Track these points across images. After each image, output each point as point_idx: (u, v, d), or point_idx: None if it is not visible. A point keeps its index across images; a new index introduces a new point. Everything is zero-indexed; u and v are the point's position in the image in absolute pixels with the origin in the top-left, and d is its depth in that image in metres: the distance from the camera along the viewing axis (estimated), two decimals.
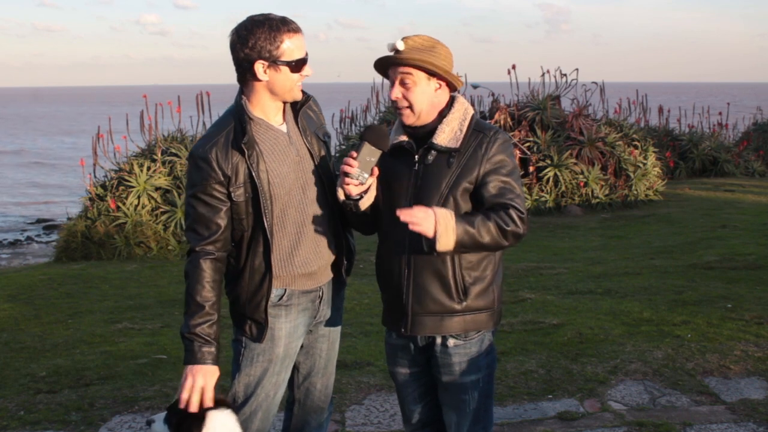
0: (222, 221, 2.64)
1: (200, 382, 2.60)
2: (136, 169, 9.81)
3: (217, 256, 2.65)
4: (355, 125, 14.00)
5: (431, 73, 2.64)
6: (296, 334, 2.79)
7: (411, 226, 2.47)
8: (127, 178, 9.81)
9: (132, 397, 4.57)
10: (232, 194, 2.63)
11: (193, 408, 2.57)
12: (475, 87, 13.76)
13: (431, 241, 2.49)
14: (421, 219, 2.47)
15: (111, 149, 10.50)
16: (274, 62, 2.59)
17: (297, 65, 2.62)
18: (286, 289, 2.74)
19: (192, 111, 10.89)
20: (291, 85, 2.65)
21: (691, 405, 4.29)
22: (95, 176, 10.39)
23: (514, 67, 12.98)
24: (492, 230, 2.54)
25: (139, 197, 9.62)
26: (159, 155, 10.06)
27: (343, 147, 13.57)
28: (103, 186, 10.11)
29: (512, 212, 2.56)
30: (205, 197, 2.63)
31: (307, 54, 2.66)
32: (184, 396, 2.59)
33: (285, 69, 2.60)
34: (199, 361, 2.61)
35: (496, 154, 2.63)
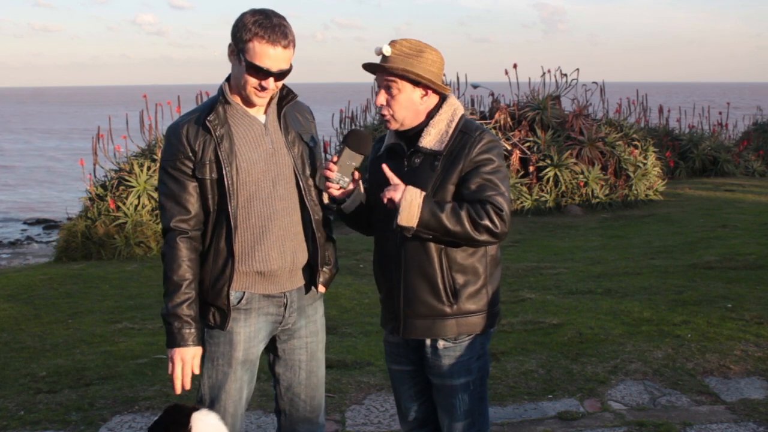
0: (192, 197, 2.66)
1: (188, 364, 2.64)
2: (136, 169, 9.81)
3: (191, 235, 2.66)
4: (355, 125, 13.99)
5: (416, 82, 2.63)
6: (257, 338, 2.76)
7: (384, 198, 2.56)
8: (127, 178, 9.82)
9: (132, 397, 4.57)
10: (197, 171, 2.64)
11: (187, 387, 2.65)
12: (475, 87, 13.75)
13: (394, 213, 2.54)
14: (391, 190, 2.55)
15: (111, 149, 10.51)
16: (239, 52, 2.60)
17: (252, 69, 2.58)
18: (245, 292, 2.72)
19: None
20: (244, 83, 2.63)
21: (691, 405, 4.29)
22: (95, 176, 10.40)
23: (515, 66, 12.98)
24: (463, 219, 2.52)
25: (139, 197, 9.62)
26: (159, 155, 10.06)
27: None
28: (103, 186, 10.12)
29: (489, 207, 2.54)
30: (174, 172, 2.66)
31: (278, 70, 2.59)
32: (177, 385, 2.65)
33: (243, 65, 2.60)
34: (180, 344, 2.63)
35: (480, 153, 2.60)
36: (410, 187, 2.54)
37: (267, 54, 2.57)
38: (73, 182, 22.09)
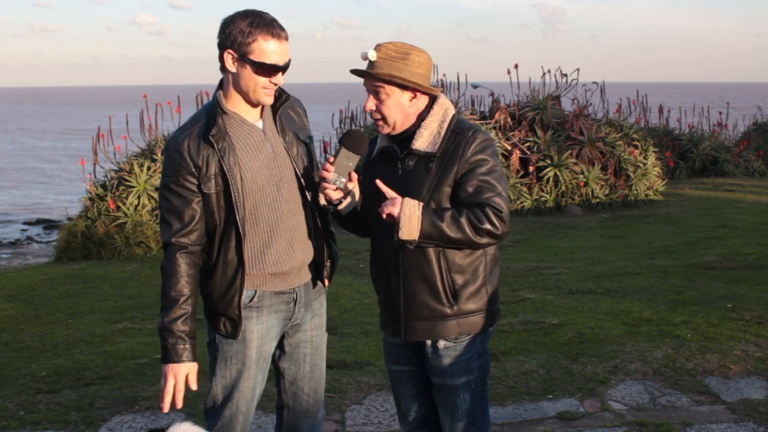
0: (194, 213, 2.64)
1: (181, 381, 2.62)
2: (136, 169, 9.81)
3: (191, 250, 2.65)
4: (355, 125, 13.99)
5: (404, 86, 2.62)
6: (269, 335, 2.77)
7: (383, 213, 2.53)
8: (127, 178, 9.81)
9: (132, 397, 4.57)
10: (202, 186, 2.63)
11: (179, 406, 2.60)
12: (475, 87, 13.76)
13: (393, 226, 2.52)
14: (388, 205, 2.52)
15: (111, 149, 10.51)
16: (242, 57, 2.59)
17: (262, 68, 2.59)
18: (256, 291, 2.73)
19: (192, 111, 10.85)
20: (254, 86, 2.62)
21: (691, 405, 4.29)
22: (95, 176, 10.40)
23: (516, 66, 12.98)
24: (464, 226, 2.52)
25: (139, 197, 9.62)
26: (159, 155, 10.06)
27: None
28: (103, 186, 10.12)
29: (488, 210, 2.53)
30: (177, 188, 2.64)
31: (284, 63, 2.62)
32: (167, 400, 2.60)
33: (249, 67, 2.59)
34: (174, 359, 2.62)
35: (474, 153, 2.60)
36: (407, 200, 2.53)
37: (273, 49, 2.58)
38: (69, 183, 22.10)
